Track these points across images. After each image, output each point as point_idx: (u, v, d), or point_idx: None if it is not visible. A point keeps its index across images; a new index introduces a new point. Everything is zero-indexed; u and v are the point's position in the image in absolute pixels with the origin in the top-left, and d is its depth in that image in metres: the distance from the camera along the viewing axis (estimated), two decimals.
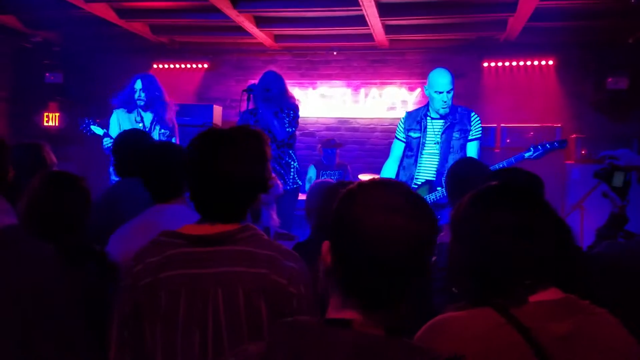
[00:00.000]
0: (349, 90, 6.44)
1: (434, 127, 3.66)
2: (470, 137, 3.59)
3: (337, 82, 6.46)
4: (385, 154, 6.22)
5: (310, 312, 1.34)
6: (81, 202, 1.77)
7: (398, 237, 0.94)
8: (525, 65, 5.93)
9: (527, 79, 5.94)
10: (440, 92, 3.60)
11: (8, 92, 6.42)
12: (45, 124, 6.68)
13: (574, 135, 5.45)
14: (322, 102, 6.49)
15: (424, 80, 6.12)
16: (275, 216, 2.19)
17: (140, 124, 4.21)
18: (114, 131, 4.11)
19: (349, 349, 0.89)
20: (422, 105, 6.15)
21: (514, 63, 5.94)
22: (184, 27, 6.01)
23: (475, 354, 1.05)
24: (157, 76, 6.66)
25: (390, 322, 0.96)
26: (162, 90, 4.27)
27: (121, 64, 6.23)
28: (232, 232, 1.42)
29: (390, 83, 6.31)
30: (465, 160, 2.31)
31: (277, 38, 6.18)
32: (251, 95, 4.23)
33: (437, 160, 3.60)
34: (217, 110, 5.88)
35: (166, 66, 6.70)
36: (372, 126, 6.43)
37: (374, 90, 6.36)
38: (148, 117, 4.24)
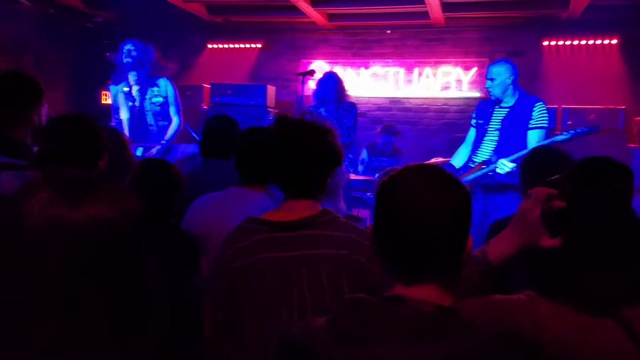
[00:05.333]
0: (402, 70, 6.37)
1: (498, 115, 3.80)
2: (531, 126, 3.65)
3: (391, 61, 6.40)
4: (438, 134, 6.19)
5: None
6: (174, 184, 1.90)
7: (433, 211, 0.99)
8: (587, 44, 5.72)
9: (590, 59, 5.73)
10: (490, 79, 3.81)
11: (70, 70, 6.65)
12: (103, 102, 6.91)
13: (638, 118, 5.25)
14: (374, 81, 6.46)
15: (481, 59, 6.05)
16: (342, 202, 2.25)
17: (127, 88, 4.22)
18: (115, 106, 4.28)
19: (406, 323, 0.94)
20: (477, 84, 6.12)
21: (576, 42, 5.73)
22: (239, 7, 6.07)
23: (574, 343, 1.08)
24: (212, 56, 6.84)
25: (439, 297, 0.99)
26: (152, 51, 4.23)
27: (177, 44, 6.35)
28: (312, 218, 1.52)
29: (445, 62, 6.21)
30: (547, 148, 2.29)
31: (331, 17, 6.16)
32: (306, 78, 4.30)
33: (495, 144, 3.73)
34: (271, 90, 5.93)
35: (220, 46, 6.79)
36: (425, 106, 6.36)
37: (427, 70, 6.27)
38: (136, 84, 4.21)
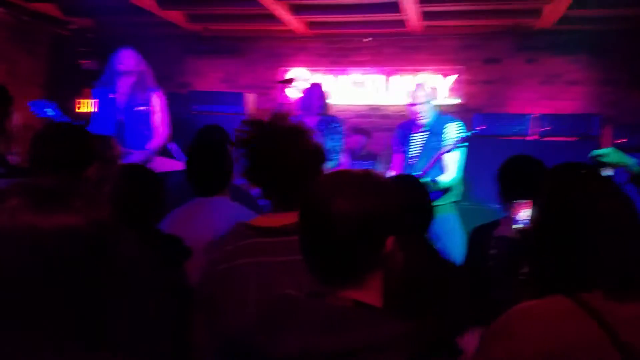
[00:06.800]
0: (380, 77, 6.43)
1: (417, 140, 3.93)
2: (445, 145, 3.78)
3: (369, 68, 6.46)
4: None
5: None
6: (158, 193, 1.89)
7: (340, 217, 1.04)
8: (561, 52, 5.86)
9: (563, 66, 5.89)
10: (413, 105, 3.90)
11: (44, 79, 6.51)
12: (78, 110, 6.78)
13: (608, 124, 5.39)
14: (353, 89, 6.50)
15: (458, 67, 6.15)
16: None
17: (113, 95, 4.16)
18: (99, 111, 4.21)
19: (321, 316, 1.02)
20: (455, 91, 6.19)
21: (550, 50, 5.87)
22: (218, 16, 6.04)
23: (553, 340, 1.10)
24: (189, 64, 6.79)
25: (356, 294, 1.06)
26: (144, 62, 4.21)
27: (154, 52, 6.25)
28: (295, 224, 1.48)
29: (423, 70, 6.29)
30: (522, 157, 2.33)
31: (310, 25, 6.19)
32: (285, 86, 4.32)
33: (417, 168, 3.82)
34: (250, 98, 5.92)
35: (198, 54, 6.74)
36: (403, 113, 6.41)
37: (406, 77, 6.34)
38: (123, 92, 4.14)
